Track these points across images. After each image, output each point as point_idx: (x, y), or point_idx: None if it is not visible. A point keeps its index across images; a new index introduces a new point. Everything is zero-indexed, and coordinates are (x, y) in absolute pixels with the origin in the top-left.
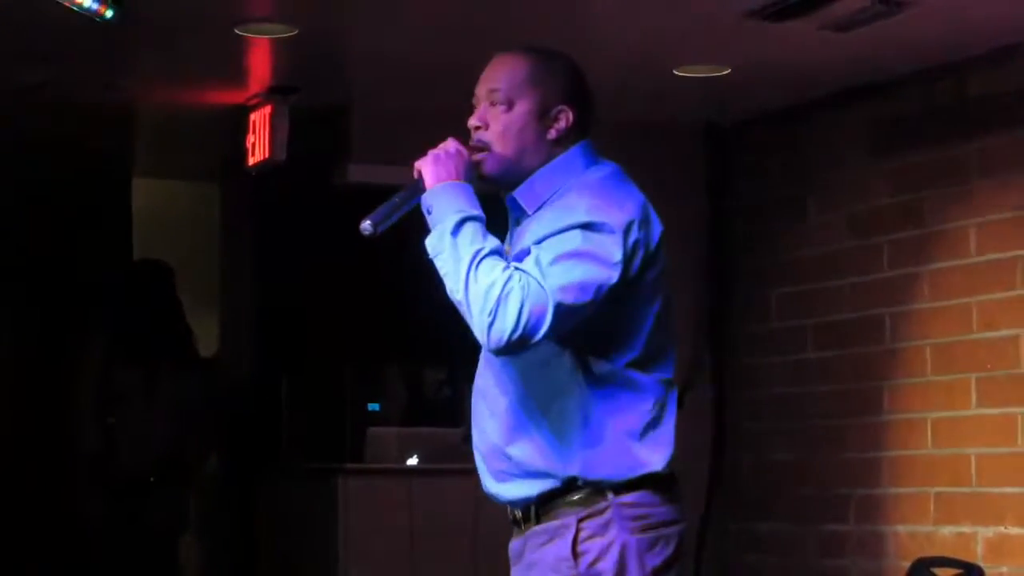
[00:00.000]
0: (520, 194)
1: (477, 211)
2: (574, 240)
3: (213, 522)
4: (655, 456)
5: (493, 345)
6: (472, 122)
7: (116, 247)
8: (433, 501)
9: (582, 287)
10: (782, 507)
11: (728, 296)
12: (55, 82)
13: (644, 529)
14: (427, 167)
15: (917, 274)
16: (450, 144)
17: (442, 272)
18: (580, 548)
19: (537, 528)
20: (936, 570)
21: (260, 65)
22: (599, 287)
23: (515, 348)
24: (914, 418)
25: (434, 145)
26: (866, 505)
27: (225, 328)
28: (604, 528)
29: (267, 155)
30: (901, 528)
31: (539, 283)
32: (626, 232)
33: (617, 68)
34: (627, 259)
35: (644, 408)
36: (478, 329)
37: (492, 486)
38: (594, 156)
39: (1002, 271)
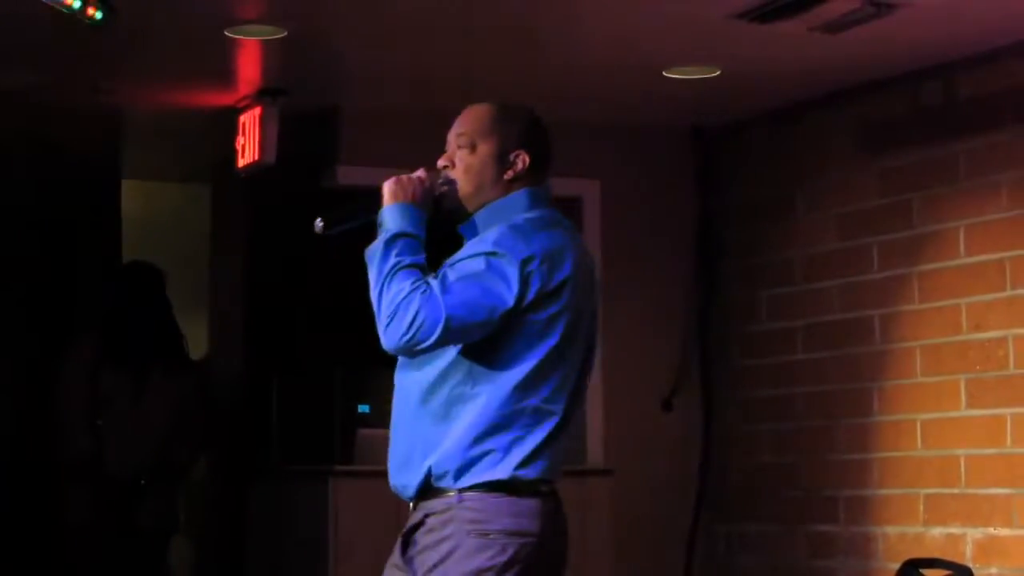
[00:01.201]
0: (466, 227)
1: (415, 231)
2: (477, 265)
3: (203, 524)
4: (509, 468)
5: (386, 345)
6: (441, 161)
7: (106, 249)
8: None
9: (474, 307)
10: (772, 508)
11: (717, 297)
12: (44, 85)
13: (480, 534)
14: (388, 187)
15: (906, 275)
16: (418, 172)
17: (370, 278)
18: (415, 538)
19: (412, 519)
20: (925, 571)
21: (249, 67)
22: (492, 309)
23: (405, 351)
24: (903, 419)
25: (423, 146)
26: (855, 506)
27: (215, 330)
28: (443, 524)
29: (256, 157)
30: (890, 529)
31: (438, 298)
32: (522, 264)
33: (607, 70)
34: (522, 289)
35: (515, 426)
36: (379, 330)
37: (391, 476)
38: (535, 202)
39: (991, 272)
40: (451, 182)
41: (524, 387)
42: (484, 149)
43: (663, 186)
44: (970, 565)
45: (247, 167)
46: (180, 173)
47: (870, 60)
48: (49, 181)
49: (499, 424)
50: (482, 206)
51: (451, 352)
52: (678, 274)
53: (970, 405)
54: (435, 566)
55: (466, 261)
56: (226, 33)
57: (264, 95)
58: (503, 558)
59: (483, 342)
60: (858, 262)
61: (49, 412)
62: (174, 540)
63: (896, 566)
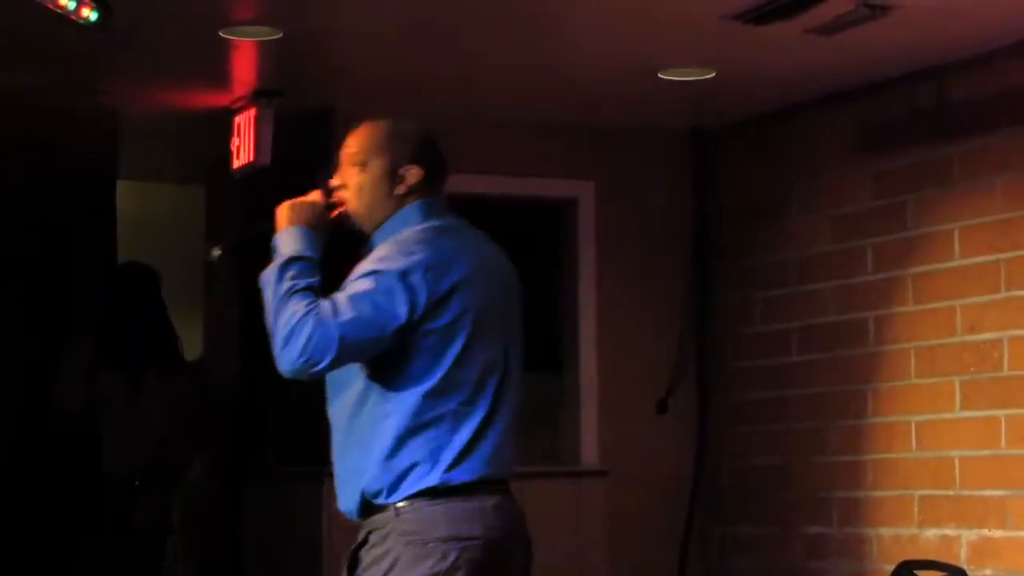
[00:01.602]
0: (375, 239)
1: (310, 254)
2: (364, 284)
3: (199, 524)
4: (439, 475)
5: (282, 368)
6: (333, 182)
7: (102, 250)
8: None
9: (366, 324)
10: (766, 510)
11: (712, 299)
12: (40, 86)
13: (420, 543)
14: (282, 212)
15: (901, 277)
16: (312, 195)
17: (265, 304)
18: (361, 554)
19: (358, 537)
20: (920, 573)
21: (245, 68)
22: (383, 325)
23: (301, 373)
24: (898, 421)
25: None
26: (850, 508)
27: (210, 331)
28: (383, 539)
29: (252, 158)
30: (885, 531)
31: (330, 319)
32: (403, 277)
33: (602, 72)
34: (410, 302)
35: (435, 433)
36: (275, 355)
37: (339, 496)
38: (426, 214)
39: (985, 274)
40: (345, 201)
41: (437, 394)
42: (375, 166)
43: (658, 188)
44: (964, 567)
45: (242, 168)
46: (176, 174)
47: (865, 62)
48: (45, 182)
49: (419, 434)
50: (377, 221)
51: (363, 375)
52: (673, 275)
53: (964, 407)
54: None
55: (355, 280)
56: (221, 34)
57: (259, 96)
58: (444, 565)
59: (389, 359)
60: (852, 264)
61: (46, 412)
62: (170, 541)
63: (890, 568)
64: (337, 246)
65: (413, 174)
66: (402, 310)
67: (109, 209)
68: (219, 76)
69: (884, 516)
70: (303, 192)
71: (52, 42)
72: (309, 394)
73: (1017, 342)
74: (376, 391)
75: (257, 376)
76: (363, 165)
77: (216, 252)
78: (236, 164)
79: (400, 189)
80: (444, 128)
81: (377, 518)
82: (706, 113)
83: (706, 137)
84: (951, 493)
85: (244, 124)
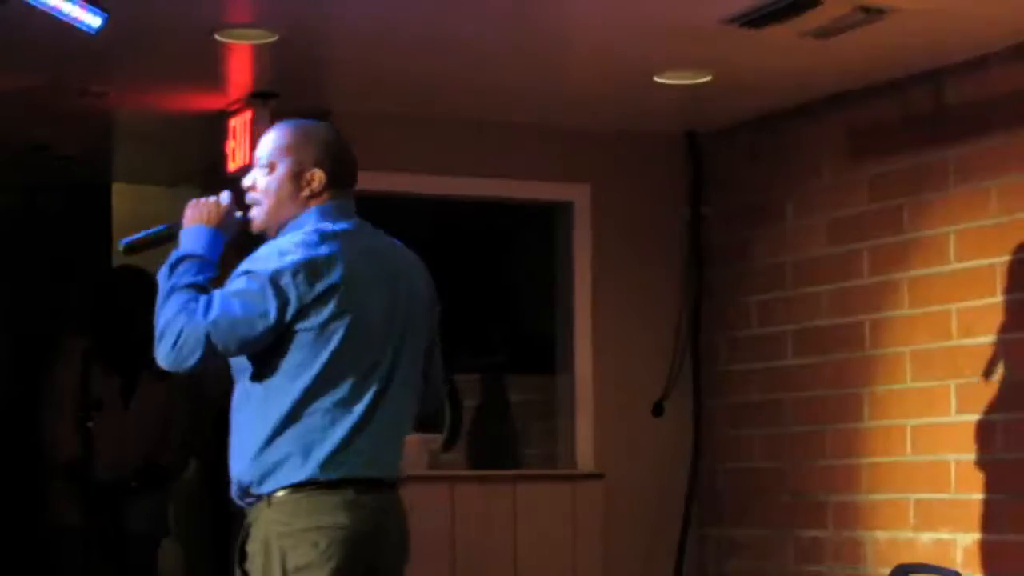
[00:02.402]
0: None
1: (204, 253)
2: (237, 284)
3: (193, 527)
4: (308, 471)
5: (159, 363)
6: (244, 183)
7: (96, 253)
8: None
9: (235, 322)
10: (761, 514)
11: (707, 302)
12: (35, 88)
13: (289, 533)
14: (187, 211)
15: (896, 281)
16: (222, 195)
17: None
18: (246, 549)
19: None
20: None
21: (240, 71)
22: (252, 324)
23: (175, 368)
24: (893, 424)
25: (413, 150)
26: (845, 511)
27: None
28: (258, 531)
29: (247, 161)
30: (880, 534)
31: (200, 317)
32: (273, 280)
33: (598, 76)
34: (279, 302)
35: (307, 429)
36: (155, 349)
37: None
38: (324, 218)
39: (981, 278)
40: (254, 202)
41: (313, 393)
42: (281, 169)
43: (654, 191)
44: (960, 571)
45: (237, 171)
46: (170, 177)
47: (860, 66)
48: (39, 183)
49: (292, 428)
50: (282, 224)
51: (248, 370)
52: (668, 279)
53: (960, 411)
54: (262, 571)
55: (231, 280)
56: (217, 37)
57: (255, 99)
58: (315, 552)
59: (268, 356)
60: (848, 267)
61: (38, 415)
62: (163, 544)
63: (886, 571)
64: (242, 245)
65: (317, 178)
66: (271, 311)
67: (104, 212)
68: (214, 79)
69: (880, 520)
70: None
71: (47, 45)
72: None
73: (1013, 346)
74: (258, 386)
75: None
76: (270, 167)
77: (121, 245)
78: (231, 167)
79: (304, 192)
80: (439, 131)
81: (252, 510)
82: (702, 116)
83: (702, 140)
84: (947, 497)
85: (239, 127)
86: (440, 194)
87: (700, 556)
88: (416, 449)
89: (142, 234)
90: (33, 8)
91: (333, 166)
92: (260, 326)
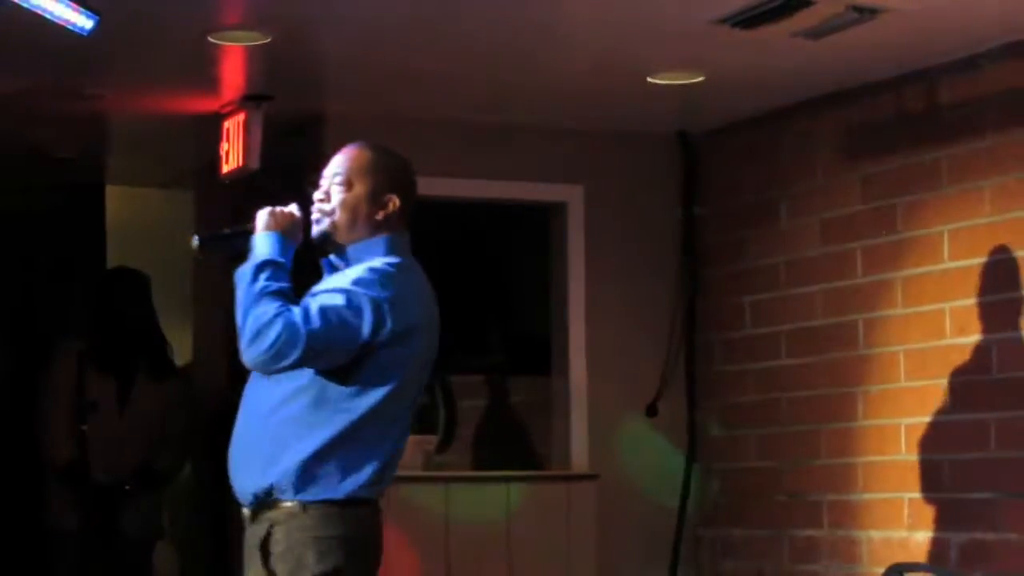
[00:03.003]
0: (333, 259)
1: (283, 259)
2: (337, 299)
3: (187, 530)
4: (347, 489)
5: (246, 360)
6: (316, 195)
7: (90, 255)
8: (404, 508)
9: (331, 336)
10: (756, 513)
11: (701, 302)
12: (29, 90)
13: (323, 539)
14: (261, 217)
15: (890, 280)
16: (291, 206)
17: (237, 299)
18: (269, 548)
19: (253, 526)
20: (909, 575)
21: (234, 73)
22: (348, 340)
23: (262, 368)
24: (888, 424)
25: (407, 152)
26: (840, 511)
27: (199, 336)
28: (287, 535)
29: (241, 163)
30: (875, 533)
31: (300, 324)
32: (376, 304)
33: (591, 76)
34: (375, 326)
35: (364, 447)
36: (241, 347)
37: (231, 476)
38: (394, 249)
39: (975, 277)
40: (326, 214)
41: (373, 415)
42: (359, 188)
43: (647, 191)
44: (954, 570)
45: (231, 173)
46: (164, 179)
47: (853, 66)
48: (33, 186)
49: (345, 446)
50: (352, 242)
51: (304, 376)
52: (662, 279)
53: (954, 409)
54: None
55: (327, 294)
56: (210, 39)
57: (248, 101)
58: (341, 561)
59: (333, 373)
60: (842, 267)
61: (34, 417)
62: (158, 546)
63: (880, 570)
64: (301, 257)
65: (393, 203)
66: (366, 331)
67: (98, 214)
68: (208, 81)
69: (874, 519)
70: (284, 200)
71: (40, 47)
72: None
73: (1006, 345)
74: (311, 395)
75: (246, 381)
76: (348, 185)
77: (195, 241)
78: (225, 169)
79: (379, 215)
80: (431, 132)
81: (278, 514)
82: (695, 117)
83: (695, 141)
84: (941, 496)
85: (233, 129)
86: (435, 196)
87: (695, 556)
88: (411, 450)
89: (217, 233)
90: (24, 10)
91: (406, 196)
92: (355, 344)
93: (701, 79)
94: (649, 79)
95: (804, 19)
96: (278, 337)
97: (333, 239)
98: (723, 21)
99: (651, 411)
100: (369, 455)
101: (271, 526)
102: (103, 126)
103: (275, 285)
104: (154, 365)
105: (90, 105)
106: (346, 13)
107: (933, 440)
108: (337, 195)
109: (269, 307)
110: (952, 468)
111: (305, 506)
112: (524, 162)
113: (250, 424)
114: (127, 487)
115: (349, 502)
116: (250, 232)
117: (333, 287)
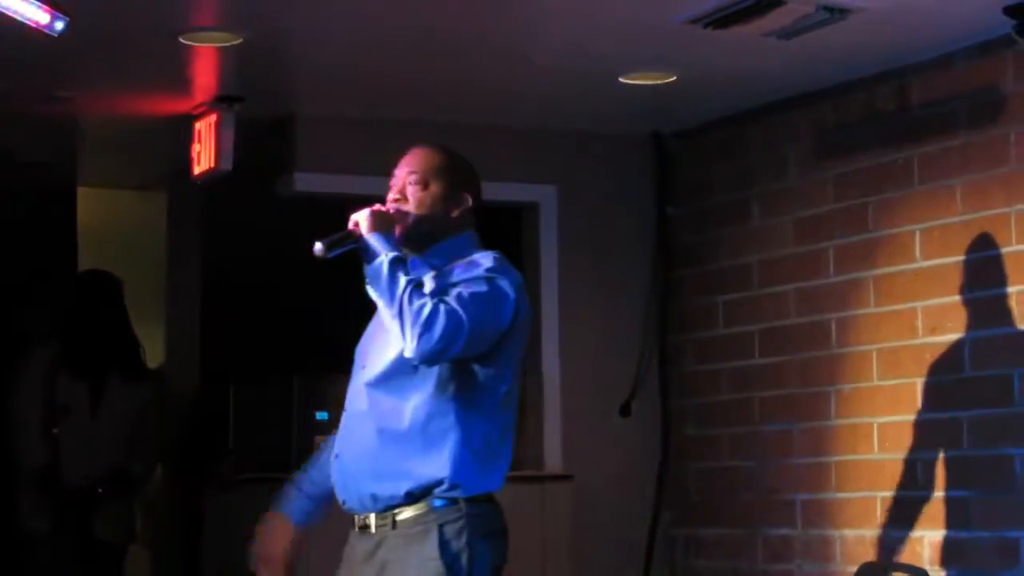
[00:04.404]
0: (428, 256)
1: (400, 254)
2: (482, 285)
3: (160, 533)
4: (497, 482)
5: (417, 352)
6: (392, 194)
7: (61, 258)
8: None
9: (485, 321)
10: (729, 512)
11: (674, 302)
12: None
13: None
14: (368, 217)
15: (862, 279)
16: (389, 205)
17: (377, 296)
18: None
19: (396, 531)
20: (883, 575)
21: (205, 74)
22: (497, 324)
23: (432, 359)
24: (861, 422)
25: (379, 154)
26: (813, 510)
27: (172, 338)
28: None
29: (213, 164)
30: (848, 532)
31: (460, 312)
32: (511, 290)
33: (563, 76)
34: (515, 311)
35: (490, 447)
36: (409, 340)
37: (353, 489)
38: (480, 244)
39: (947, 276)
40: (407, 215)
41: (500, 408)
42: (435, 187)
43: (620, 191)
44: (927, 568)
45: (203, 174)
46: (136, 181)
47: (824, 65)
48: (4, 189)
49: (477, 444)
50: (428, 237)
51: (431, 376)
52: (635, 279)
53: (927, 408)
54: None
55: (471, 281)
56: (182, 40)
57: (220, 102)
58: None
59: (466, 366)
60: (814, 266)
61: (6, 421)
62: (131, 550)
63: (854, 569)
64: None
65: (468, 200)
66: (507, 317)
67: (69, 216)
68: (179, 82)
69: (847, 517)
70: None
71: (10, 48)
72: (270, 404)
73: (978, 343)
74: (449, 391)
75: (218, 384)
76: (424, 184)
77: (319, 247)
78: (197, 170)
79: (456, 212)
80: (402, 133)
81: (436, 515)
82: (667, 117)
83: (667, 141)
84: (914, 494)
85: (205, 130)
86: None
87: (669, 556)
88: None
89: (333, 238)
90: None
91: (477, 192)
92: (501, 328)
93: (673, 79)
94: (621, 79)
95: (776, 19)
96: (445, 327)
97: (414, 237)
98: (695, 21)
99: (625, 411)
100: (501, 450)
101: (441, 526)
102: (74, 128)
103: (415, 278)
104: (127, 368)
105: (61, 107)
106: (318, 15)
107: (906, 439)
108: (415, 194)
109: (424, 299)
110: (925, 467)
111: (457, 502)
112: (496, 163)
113: (362, 430)
114: (100, 490)
115: (489, 500)
116: (357, 233)
117: (472, 275)
